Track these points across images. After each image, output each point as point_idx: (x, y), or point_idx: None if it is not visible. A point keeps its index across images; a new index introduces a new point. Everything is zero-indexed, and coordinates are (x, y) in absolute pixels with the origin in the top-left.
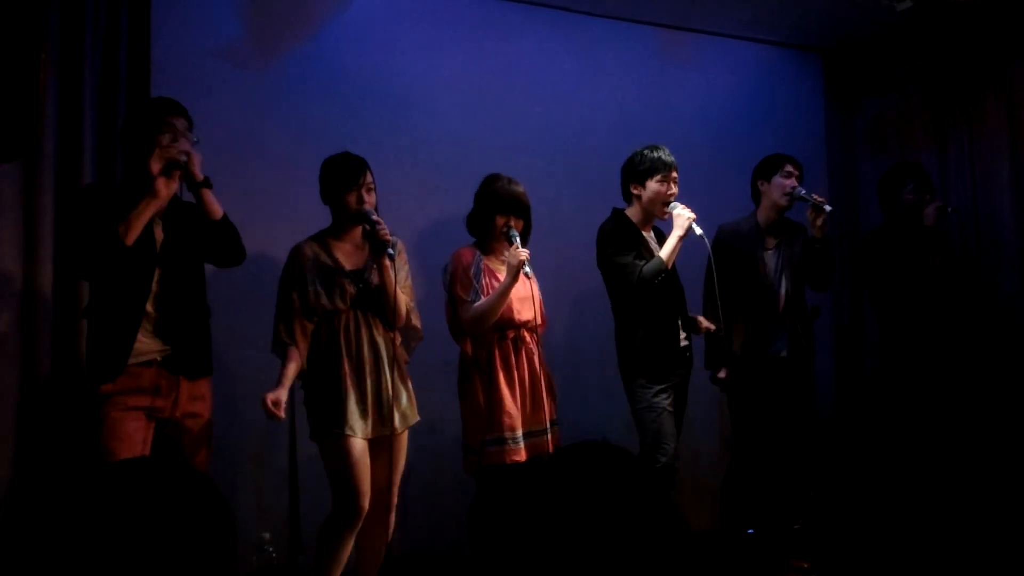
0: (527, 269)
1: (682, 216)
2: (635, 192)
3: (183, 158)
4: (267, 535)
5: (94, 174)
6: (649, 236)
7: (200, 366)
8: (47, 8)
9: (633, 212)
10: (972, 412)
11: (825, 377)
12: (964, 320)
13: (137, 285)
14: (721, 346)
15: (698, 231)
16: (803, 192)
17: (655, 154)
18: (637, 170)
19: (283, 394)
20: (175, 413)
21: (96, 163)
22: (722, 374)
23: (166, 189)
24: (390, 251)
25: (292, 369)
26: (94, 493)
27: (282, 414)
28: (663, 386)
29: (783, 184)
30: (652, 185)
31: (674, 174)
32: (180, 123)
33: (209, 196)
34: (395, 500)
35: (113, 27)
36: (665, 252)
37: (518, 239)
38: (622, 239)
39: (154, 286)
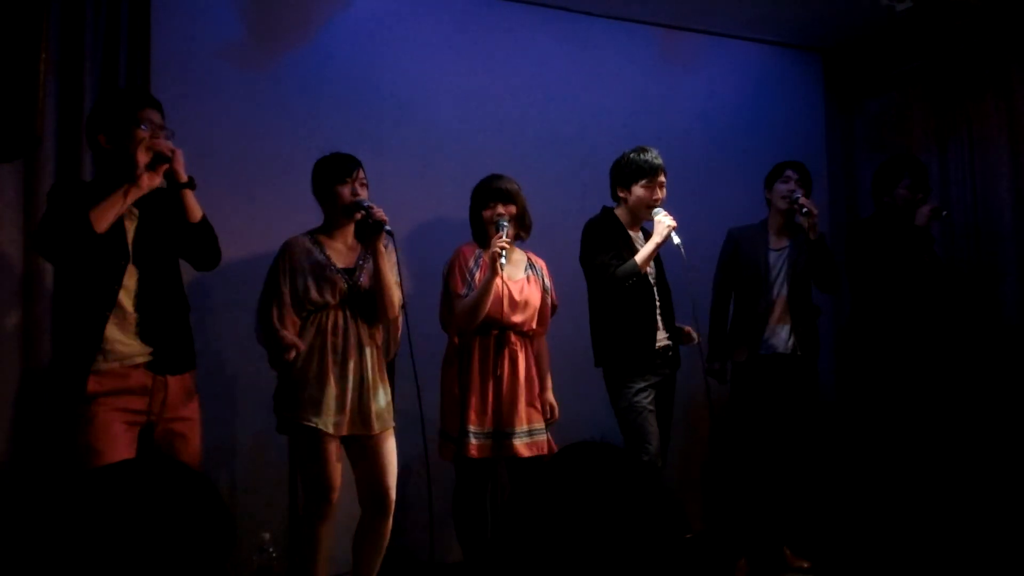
0: (502, 260)
1: (663, 223)
2: (621, 195)
3: (171, 154)
4: (267, 535)
5: (94, 174)
6: (637, 236)
7: (184, 362)
8: (47, 8)
9: (621, 212)
10: (966, 409)
11: (826, 376)
12: (951, 318)
13: (105, 279)
14: (721, 342)
15: (676, 240)
16: (797, 196)
17: (641, 157)
18: (623, 173)
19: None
20: (163, 415)
21: (96, 163)
22: (740, 357)
23: (149, 182)
24: (387, 228)
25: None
26: (94, 494)
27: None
28: (644, 385)
29: (781, 189)
30: (637, 190)
31: (661, 178)
32: (156, 117)
33: (191, 197)
34: (392, 507)
35: (113, 27)
36: (640, 256)
37: (504, 229)
38: (604, 237)
39: (133, 285)
